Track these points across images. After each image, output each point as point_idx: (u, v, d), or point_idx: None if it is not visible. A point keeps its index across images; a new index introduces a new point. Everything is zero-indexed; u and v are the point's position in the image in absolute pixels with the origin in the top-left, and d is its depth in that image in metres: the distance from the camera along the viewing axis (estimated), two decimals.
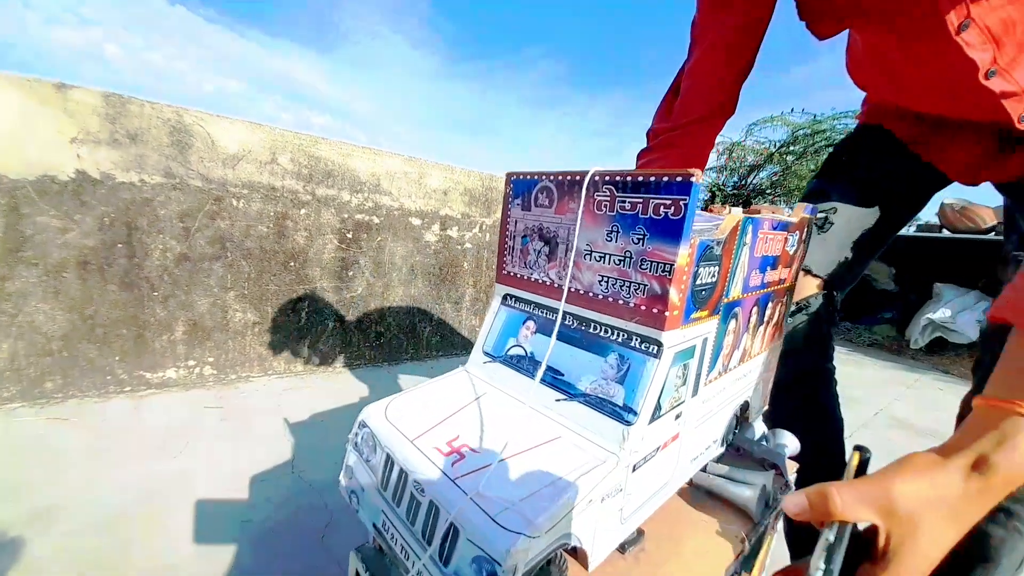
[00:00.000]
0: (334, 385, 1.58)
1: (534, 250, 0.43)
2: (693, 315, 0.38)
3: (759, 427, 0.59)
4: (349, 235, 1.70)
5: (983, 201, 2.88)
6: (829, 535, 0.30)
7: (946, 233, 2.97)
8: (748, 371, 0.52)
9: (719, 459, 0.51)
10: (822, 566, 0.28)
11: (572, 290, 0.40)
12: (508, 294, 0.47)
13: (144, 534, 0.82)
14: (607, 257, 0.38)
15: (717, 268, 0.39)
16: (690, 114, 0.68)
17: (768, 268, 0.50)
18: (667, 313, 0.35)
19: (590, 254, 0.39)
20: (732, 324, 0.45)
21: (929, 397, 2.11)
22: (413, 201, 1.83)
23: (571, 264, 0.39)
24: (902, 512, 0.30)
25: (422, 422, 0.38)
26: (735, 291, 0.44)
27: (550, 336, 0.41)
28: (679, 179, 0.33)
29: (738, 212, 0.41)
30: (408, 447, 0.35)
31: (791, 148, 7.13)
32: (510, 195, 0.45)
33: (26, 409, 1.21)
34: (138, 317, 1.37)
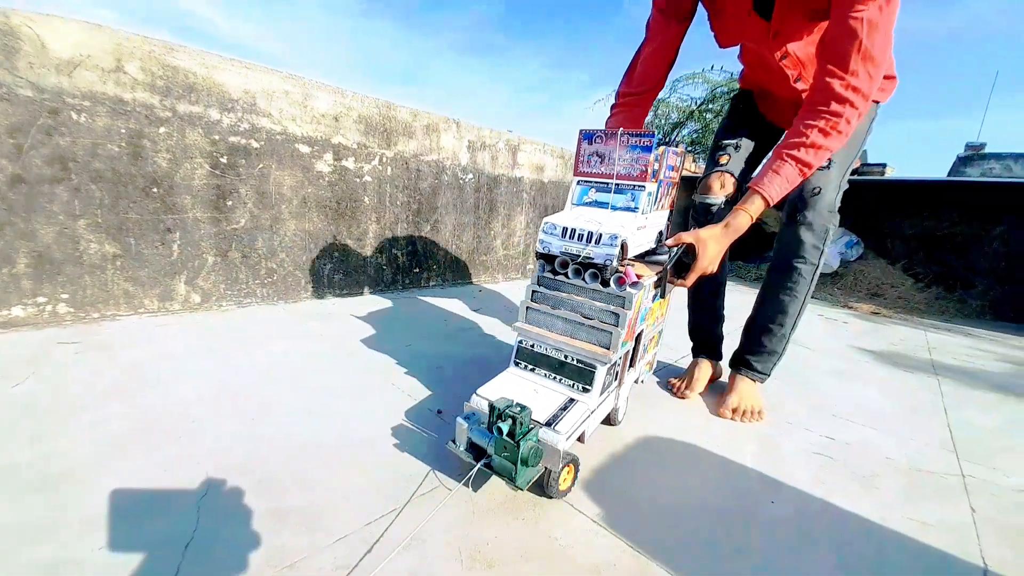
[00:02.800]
0: (217, 323, 1.50)
1: (595, 160, 0.94)
2: (651, 180, 0.90)
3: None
4: (223, 160, 1.56)
5: None
6: (675, 250, 0.91)
7: None
8: (662, 216, 1.06)
9: (656, 250, 1.07)
10: (663, 255, 0.99)
11: (615, 173, 0.92)
12: (580, 180, 0.98)
13: None
14: (626, 160, 0.90)
15: (657, 164, 0.91)
16: (641, 86, 1.11)
17: (671, 169, 1.02)
18: (647, 177, 0.89)
19: (620, 159, 0.90)
20: (662, 189, 0.99)
21: None
22: (299, 126, 1.71)
23: (616, 162, 0.92)
24: (701, 239, 0.89)
25: (566, 218, 0.90)
26: (660, 175, 0.95)
27: (605, 191, 0.94)
28: (649, 133, 0.86)
29: (661, 147, 0.92)
30: (567, 220, 0.88)
31: (710, 106, 7.47)
32: (582, 138, 0.95)
33: None
34: None
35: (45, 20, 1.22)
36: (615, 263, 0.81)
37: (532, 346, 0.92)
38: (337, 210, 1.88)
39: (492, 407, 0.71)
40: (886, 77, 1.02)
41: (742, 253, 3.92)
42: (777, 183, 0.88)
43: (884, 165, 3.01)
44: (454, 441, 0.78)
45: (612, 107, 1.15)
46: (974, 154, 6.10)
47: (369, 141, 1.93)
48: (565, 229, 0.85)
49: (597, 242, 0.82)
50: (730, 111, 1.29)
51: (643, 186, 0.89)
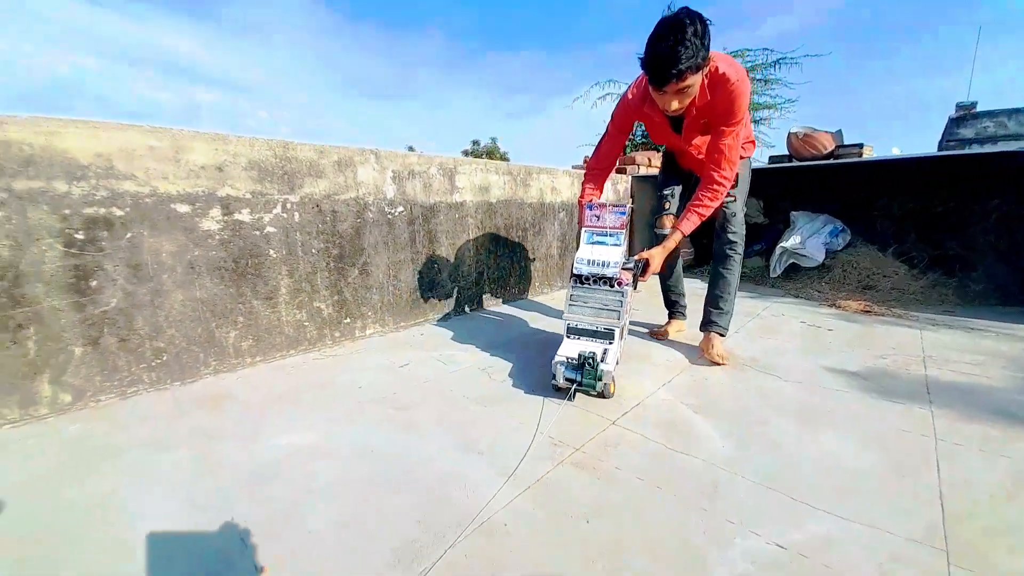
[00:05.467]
0: (94, 425, 1.30)
1: (594, 219, 1.65)
2: (623, 228, 1.61)
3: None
4: (79, 236, 1.36)
5: (822, 127, 2.97)
6: (640, 263, 1.56)
7: (795, 163, 3.07)
8: (625, 243, 1.63)
9: (627, 261, 1.56)
10: (632, 265, 1.55)
11: (607, 226, 1.63)
12: (586, 229, 1.65)
13: None
14: (612, 218, 1.63)
15: (627, 218, 1.63)
16: (601, 165, 1.77)
17: (624, 216, 1.64)
18: (623, 228, 1.61)
19: (609, 218, 1.63)
20: (627, 231, 1.65)
21: (766, 326, 2.18)
22: (172, 183, 1.51)
23: (607, 220, 1.64)
24: (651, 254, 1.56)
25: (586, 254, 1.60)
26: (625, 223, 1.62)
27: (603, 235, 1.63)
28: (623, 205, 1.65)
29: (628, 209, 1.65)
30: (588, 255, 1.59)
31: None
32: (585, 207, 1.68)
33: None
34: None
35: None
36: (617, 275, 1.50)
37: (576, 325, 1.54)
38: (236, 270, 1.67)
39: (580, 355, 1.36)
40: (749, 142, 1.79)
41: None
42: (688, 225, 1.57)
43: (861, 145, 2.76)
44: (554, 378, 1.41)
45: (586, 173, 1.79)
46: (966, 114, 5.78)
47: (267, 188, 1.72)
48: (590, 260, 1.55)
49: (607, 266, 1.52)
50: (663, 167, 1.98)
51: (621, 232, 1.59)
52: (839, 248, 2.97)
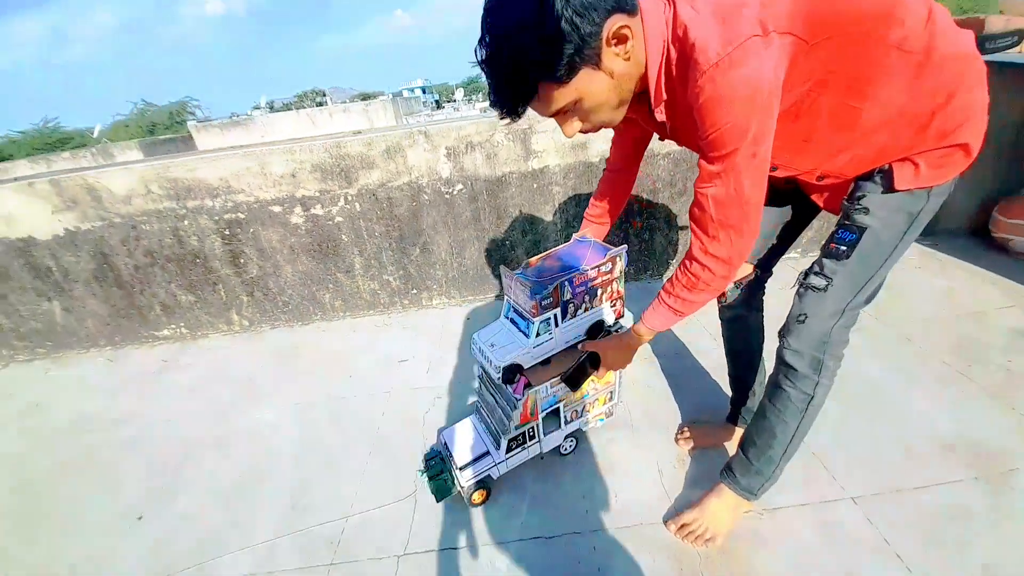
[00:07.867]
0: (257, 344, 2.19)
1: (508, 287, 1.14)
2: (536, 317, 1.06)
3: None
4: (227, 231, 2.07)
5: None
6: (583, 355, 1.08)
7: None
8: (599, 311, 1.16)
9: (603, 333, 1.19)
10: (581, 360, 1.07)
11: (518, 302, 1.11)
12: (506, 298, 1.18)
13: None
14: (522, 298, 1.07)
15: (548, 300, 1.05)
16: (616, 166, 1.15)
17: (606, 271, 1.12)
18: (536, 313, 1.06)
19: (519, 295, 1.09)
20: (579, 298, 1.11)
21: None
22: (265, 191, 1.99)
23: (518, 296, 1.11)
24: (599, 347, 1.07)
25: (486, 337, 1.16)
26: (538, 308, 1.05)
27: (517, 316, 1.14)
28: (540, 286, 1.04)
29: (555, 284, 1.05)
30: (484, 342, 1.15)
31: None
32: (502, 273, 1.13)
33: None
34: (133, 303, 2.22)
35: (106, 173, 1.94)
36: (502, 383, 1.11)
37: (480, 407, 1.31)
38: (320, 251, 2.14)
39: (425, 459, 1.22)
40: (952, 146, 0.74)
41: None
42: (657, 319, 0.92)
43: None
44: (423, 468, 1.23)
45: (604, 170, 1.22)
46: None
47: (329, 185, 2.00)
48: (480, 348, 1.15)
49: (491, 364, 1.09)
50: None
51: (533, 322, 1.06)
52: None
